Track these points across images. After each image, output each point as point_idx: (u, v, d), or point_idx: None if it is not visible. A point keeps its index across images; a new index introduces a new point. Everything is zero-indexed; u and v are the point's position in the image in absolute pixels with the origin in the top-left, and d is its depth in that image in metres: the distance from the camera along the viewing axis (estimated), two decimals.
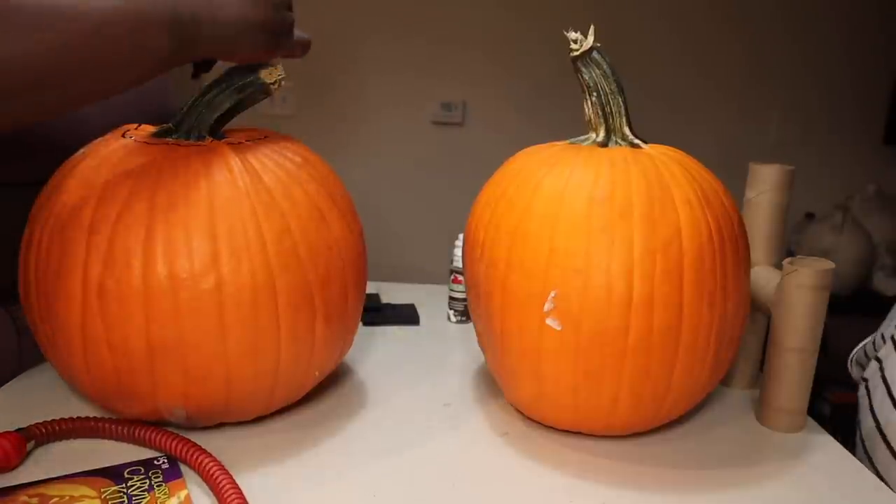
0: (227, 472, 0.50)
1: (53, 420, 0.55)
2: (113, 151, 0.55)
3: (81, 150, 0.57)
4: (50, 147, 0.61)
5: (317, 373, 0.60)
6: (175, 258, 0.50)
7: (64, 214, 0.53)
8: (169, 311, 0.50)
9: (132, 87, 0.51)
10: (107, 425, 0.56)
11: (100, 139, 0.58)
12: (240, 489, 0.48)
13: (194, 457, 0.52)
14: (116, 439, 0.56)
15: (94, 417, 0.56)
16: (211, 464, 0.51)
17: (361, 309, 0.64)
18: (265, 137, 0.60)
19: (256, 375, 0.54)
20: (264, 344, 0.53)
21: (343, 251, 0.58)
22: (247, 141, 0.58)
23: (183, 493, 0.49)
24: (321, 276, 0.56)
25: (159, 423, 0.56)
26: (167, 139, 0.57)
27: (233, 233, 0.52)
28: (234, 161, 0.54)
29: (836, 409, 1.94)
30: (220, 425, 0.59)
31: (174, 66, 0.52)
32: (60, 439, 0.55)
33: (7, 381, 0.65)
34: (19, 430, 0.53)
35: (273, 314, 0.53)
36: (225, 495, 0.47)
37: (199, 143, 0.56)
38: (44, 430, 0.54)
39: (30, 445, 0.53)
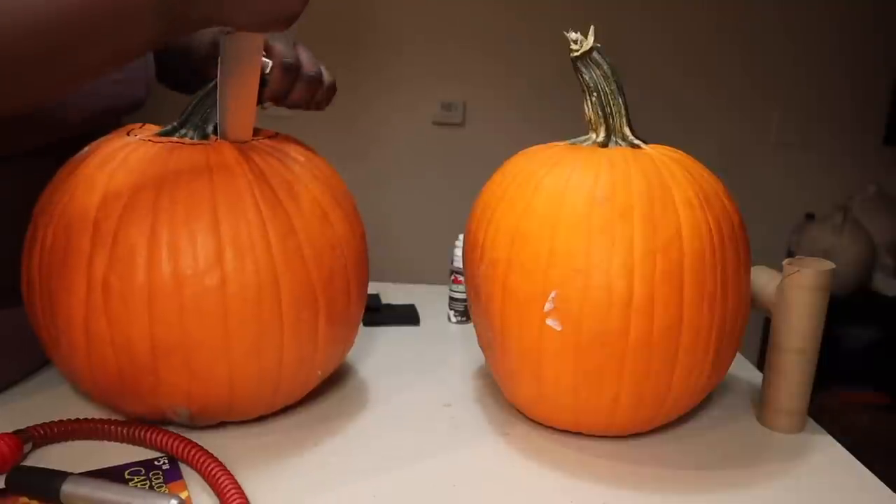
0: (228, 472, 0.50)
1: (53, 421, 0.55)
2: (117, 150, 0.55)
3: (86, 148, 0.57)
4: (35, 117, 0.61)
5: (319, 372, 0.60)
6: (179, 256, 0.50)
7: (68, 212, 0.53)
8: (173, 309, 0.50)
9: (123, 64, 0.49)
10: (106, 426, 0.55)
11: (104, 138, 0.58)
12: (241, 489, 0.48)
13: (195, 457, 0.52)
14: (116, 440, 0.56)
15: (94, 419, 0.56)
16: (212, 464, 0.51)
17: (363, 308, 0.64)
18: (271, 137, 0.61)
19: (260, 374, 0.54)
20: (268, 343, 0.54)
21: (346, 251, 0.58)
22: (252, 140, 0.58)
23: (183, 494, 0.49)
24: (324, 275, 0.56)
25: (161, 423, 0.56)
26: (172, 138, 0.57)
27: (237, 232, 0.52)
28: (239, 160, 0.54)
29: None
30: (222, 424, 0.58)
31: (175, 32, 0.49)
32: (60, 440, 0.55)
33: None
34: (17, 431, 0.53)
35: (276, 313, 0.53)
36: (226, 495, 0.47)
37: (204, 142, 0.56)
38: (43, 432, 0.54)
39: (27, 447, 0.53)
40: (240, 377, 0.54)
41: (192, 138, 0.58)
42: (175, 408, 0.55)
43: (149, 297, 0.50)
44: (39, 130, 0.60)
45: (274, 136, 0.61)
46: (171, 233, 0.50)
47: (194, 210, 0.51)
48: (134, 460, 0.53)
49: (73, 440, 0.56)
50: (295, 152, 0.59)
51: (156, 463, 0.52)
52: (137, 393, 0.54)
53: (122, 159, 0.54)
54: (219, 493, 0.48)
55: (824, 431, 0.64)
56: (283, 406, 0.61)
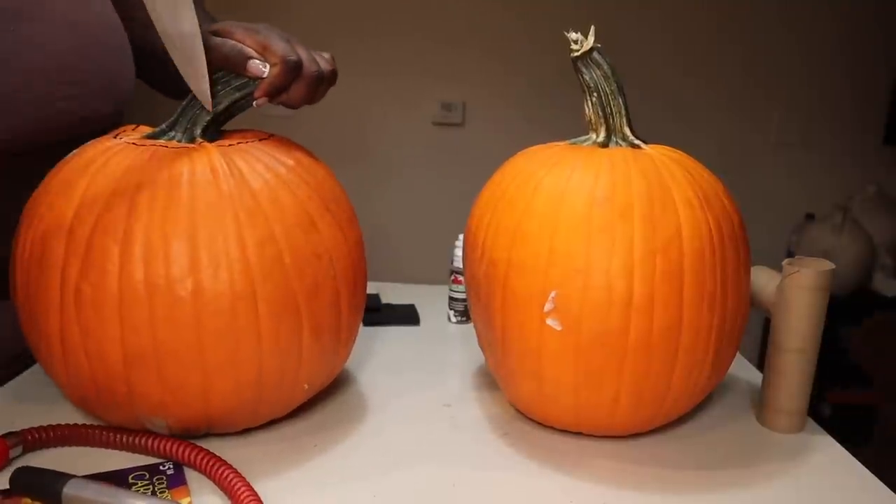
0: (239, 475, 0.49)
1: (49, 426, 0.54)
2: (99, 153, 0.53)
3: (74, 151, 0.56)
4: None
5: (306, 386, 0.58)
6: (151, 263, 0.49)
7: (46, 218, 0.52)
8: (144, 318, 0.49)
9: None
10: (102, 433, 0.54)
11: (91, 141, 0.57)
12: (255, 491, 0.48)
13: (203, 461, 0.51)
14: (115, 448, 0.55)
15: (89, 425, 0.55)
16: (222, 467, 0.50)
17: (359, 321, 0.62)
18: (263, 139, 0.59)
19: (238, 387, 0.52)
20: (244, 354, 0.51)
21: (335, 260, 0.56)
22: (241, 143, 0.56)
23: (185, 501, 0.49)
24: (308, 285, 0.53)
25: (145, 431, 0.55)
26: (158, 141, 0.56)
27: (213, 238, 0.50)
28: (220, 163, 0.52)
29: (836, 409, 1.95)
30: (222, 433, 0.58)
31: None
32: (55, 446, 0.55)
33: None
34: (6, 434, 0.52)
35: (253, 324, 0.51)
36: (240, 497, 0.47)
37: (189, 145, 0.55)
38: (37, 436, 0.53)
39: (16, 451, 0.52)
40: (215, 389, 0.52)
41: (179, 141, 0.56)
42: (151, 418, 0.53)
43: (120, 304, 0.49)
44: (25, 123, 0.58)
45: (266, 137, 0.59)
46: (145, 239, 0.49)
47: (169, 216, 0.49)
48: (140, 464, 0.52)
49: (69, 446, 0.55)
50: (284, 155, 0.57)
51: (161, 468, 0.52)
52: (113, 402, 0.53)
53: (101, 164, 0.52)
54: (231, 495, 0.48)
55: (824, 431, 0.64)
56: (269, 419, 0.59)
